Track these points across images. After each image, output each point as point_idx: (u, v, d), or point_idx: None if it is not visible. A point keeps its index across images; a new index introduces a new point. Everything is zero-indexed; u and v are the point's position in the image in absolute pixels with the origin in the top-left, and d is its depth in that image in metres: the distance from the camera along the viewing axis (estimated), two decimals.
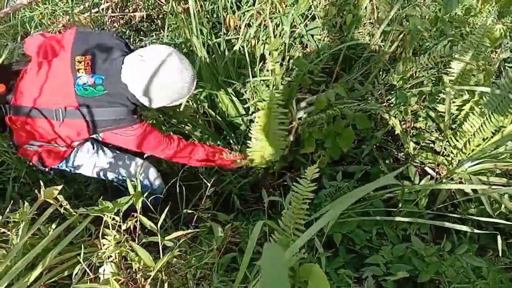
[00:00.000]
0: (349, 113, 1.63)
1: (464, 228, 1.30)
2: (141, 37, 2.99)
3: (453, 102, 1.81)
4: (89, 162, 1.63)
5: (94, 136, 1.47)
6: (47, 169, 1.59)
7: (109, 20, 3.09)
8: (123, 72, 1.36)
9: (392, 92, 2.01)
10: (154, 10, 3.14)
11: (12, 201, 1.37)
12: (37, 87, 1.43)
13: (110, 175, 1.67)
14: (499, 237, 1.28)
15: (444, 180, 1.74)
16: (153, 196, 1.53)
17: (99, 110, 1.37)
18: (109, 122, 1.39)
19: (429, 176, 1.76)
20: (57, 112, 1.38)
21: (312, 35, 2.04)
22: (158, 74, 1.33)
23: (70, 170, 1.66)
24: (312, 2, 2.05)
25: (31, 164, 1.57)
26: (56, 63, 1.42)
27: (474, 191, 1.66)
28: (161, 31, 2.60)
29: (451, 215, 1.65)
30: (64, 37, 1.50)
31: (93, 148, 1.64)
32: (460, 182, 1.72)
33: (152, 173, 1.72)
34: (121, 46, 1.47)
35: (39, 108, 1.41)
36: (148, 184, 1.73)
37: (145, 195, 1.08)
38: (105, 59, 1.40)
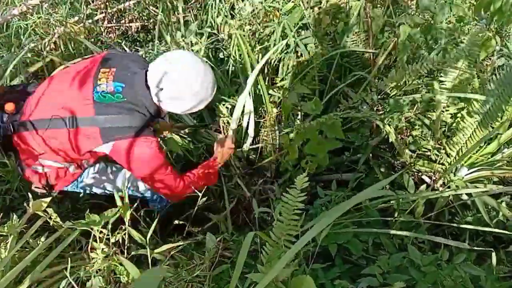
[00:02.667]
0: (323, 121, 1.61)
1: (460, 245, 1.29)
2: (137, 48, 3.00)
3: (447, 110, 1.80)
4: (100, 180, 1.63)
5: (104, 149, 1.43)
6: (53, 193, 1.56)
7: (105, 31, 3.10)
8: (149, 78, 1.38)
9: (386, 101, 2.01)
10: (149, 21, 3.16)
11: (1, 213, 1.35)
12: (53, 98, 1.43)
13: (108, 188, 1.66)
14: (493, 254, 1.27)
15: (440, 189, 1.72)
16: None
17: (115, 116, 1.36)
18: (124, 130, 1.37)
19: (425, 184, 1.74)
20: (71, 119, 1.37)
21: (306, 44, 2.04)
22: (184, 77, 1.37)
23: (83, 190, 1.65)
24: (306, 11, 2.06)
25: (34, 188, 1.54)
26: (80, 75, 1.43)
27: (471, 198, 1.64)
28: (157, 41, 2.60)
29: (448, 224, 1.64)
30: (95, 58, 1.53)
31: (104, 165, 1.65)
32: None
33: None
34: (146, 65, 1.47)
35: (52, 118, 1.39)
36: (147, 195, 1.71)
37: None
38: (128, 71, 1.42)
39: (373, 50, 1.97)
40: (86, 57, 1.73)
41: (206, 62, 1.44)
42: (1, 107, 1.46)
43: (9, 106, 1.45)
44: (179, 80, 1.38)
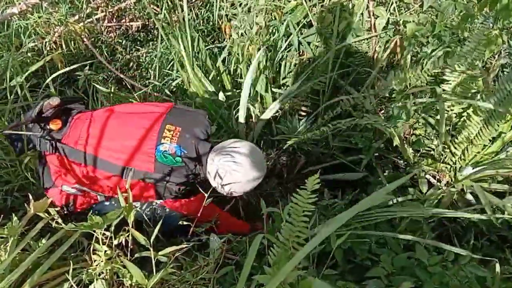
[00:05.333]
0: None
1: (462, 252, 1.28)
2: (137, 47, 2.98)
3: (452, 109, 1.78)
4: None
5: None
6: (70, 211, 1.53)
7: (106, 31, 3.08)
8: (209, 168, 1.43)
9: (390, 102, 2.00)
10: (150, 20, 3.14)
11: (2, 215, 1.33)
12: (111, 140, 1.40)
13: None
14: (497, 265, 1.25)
15: (444, 188, 1.71)
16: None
17: (171, 178, 1.38)
18: (176, 190, 1.42)
19: (433, 184, 1.72)
20: (128, 170, 1.36)
21: (309, 43, 2.02)
22: (246, 179, 1.42)
23: (97, 211, 1.61)
24: (309, 10, 2.04)
25: (54, 205, 1.49)
26: (144, 121, 1.43)
27: (476, 197, 1.63)
28: (158, 41, 2.58)
29: (452, 224, 1.63)
30: (159, 105, 1.54)
31: None
32: (462, 190, 1.69)
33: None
34: (208, 127, 1.49)
35: (109, 161, 1.38)
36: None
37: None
38: (192, 136, 1.42)
39: (376, 48, 1.96)
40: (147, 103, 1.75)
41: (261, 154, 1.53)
42: (48, 121, 1.44)
43: (56, 125, 1.42)
44: (241, 181, 1.42)
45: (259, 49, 2.01)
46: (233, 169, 1.39)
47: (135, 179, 1.37)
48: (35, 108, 1.45)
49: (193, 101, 2.02)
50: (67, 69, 2.04)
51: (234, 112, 2.01)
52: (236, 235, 1.50)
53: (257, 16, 1.92)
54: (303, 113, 2.18)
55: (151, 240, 0.93)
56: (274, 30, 2.06)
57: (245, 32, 2.01)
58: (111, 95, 2.22)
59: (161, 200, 1.47)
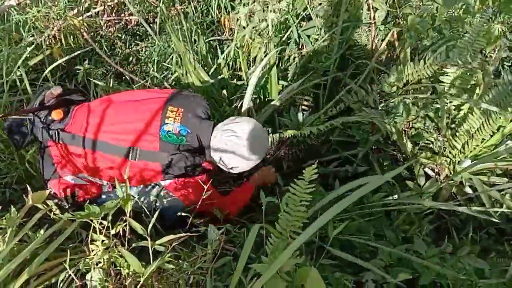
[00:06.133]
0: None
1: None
2: (137, 41, 2.97)
3: (451, 102, 1.78)
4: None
5: (161, 182, 1.49)
6: (72, 203, 1.53)
7: (105, 25, 3.07)
8: (215, 144, 1.48)
9: (390, 96, 2.00)
10: (149, 14, 3.12)
11: (0, 207, 1.33)
12: (115, 124, 1.43)
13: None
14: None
15: (443, 181, 1.70)
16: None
17: (176, 156, 1.42)
18: (181, 169, 1.45)
19: (431, 177, 1.72)
20: (134, 150, 1.39)
21: (308, 36, 2.01)
22: (248, 156, 1.48)
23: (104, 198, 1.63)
24: (308, 2, 2.03)
25: (54, 197, 1.50)
26: (147, 105, 1.48)
27: (475, 191, 1.63)
28: (157, 35, 2.57)
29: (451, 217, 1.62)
30: (161, 92, 1.60)
31: None
32: (461, 183, 1.69)
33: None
34: (207, 109, 1.58)
35: (112, 144, 1.40)
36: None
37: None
38: (194, 115, 1.50)
39: (375, 41, 1.95)
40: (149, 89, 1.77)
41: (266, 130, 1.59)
42: (49, 110, 1.45)
43: (58, 114, 1.44)
44: (244, 157, 1.48)
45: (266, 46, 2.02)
46: (235, 143, 1.45)
47: (141, 159, 1.39)
48: (37, 98, 1.46)
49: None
50: (65, 58, 2.04)
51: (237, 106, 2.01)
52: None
53: (271, 12, 1.90)
54: (305, 107, 2.17)
55: (149, 230, 0.93)
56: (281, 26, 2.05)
57: (256, 30, 1.99)
58: (110, 89, 2.22)
59: (165, 183, 1.49)
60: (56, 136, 1.42)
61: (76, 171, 1.46)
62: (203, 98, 1.60)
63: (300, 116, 1.96)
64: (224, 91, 2.00)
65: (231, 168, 1.52)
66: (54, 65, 2.05)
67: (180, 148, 1.43)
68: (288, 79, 2.09)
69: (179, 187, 1.49)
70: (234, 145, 1.45)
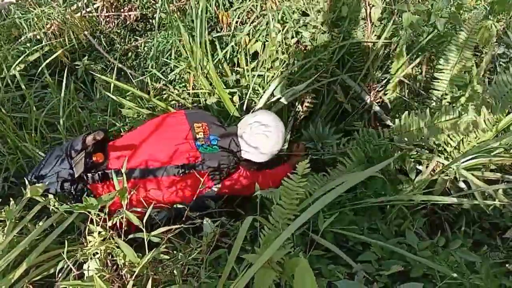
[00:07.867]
0: None
1: None
2: (136, 37, 2.98)
3: (445, 98, 1.79)
4: None
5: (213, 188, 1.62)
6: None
7: (104, 20, 3.08)
8: (247, 138, 1.66)
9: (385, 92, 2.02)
10: (149, 10, 3.13)
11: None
12: (152, 150, 1.53)
13: None
14: None
15: (437, 176, 1.72)
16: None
17: (216, 162, 1.56)
18: (224, 170, 1.60)
19: (426, 171, 1.74)
20: (182, 166, 1.51)
21: (306, 27, 2.03)
22: (276, 147, 1.70)
23: None
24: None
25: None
26: (176, 127, 1.64)
27: (468, 186, 1.65)
28: (156, 30, 2.58)
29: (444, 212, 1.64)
30: (174, 115, 1.73)
31: None
32: (455, 178, 1.70)
33: None
34: (217, 117, 1.81)
35: (158, 167, 1.50)
36: None
37: None
38: (216, 125, 1.70)
39: (371, 37, 1.96)
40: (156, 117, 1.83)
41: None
42: (90, 154, 1.49)
43: (100, 157, 1.49)
44: (275, 141, 1.67)
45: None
46: (265, 130, 1.64)
47: (193, 171, 1.51)
48: (77, 143, 1.48)
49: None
50: (59, 52, 2.05)
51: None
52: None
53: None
54: (308, 105, 2.17)
55: (144, 221, 0.95)
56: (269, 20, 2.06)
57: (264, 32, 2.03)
58: (112, 85, 2.23)
59: (217, 187, 1.61)
60: (100, 176, 1.45)
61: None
62: (210, 114, 1.79)
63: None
64: (236, 98, 2.06)
65: (264, 154, 1.68)
66: (48, 60, 2.08)
67: (216, 154, 1.57)
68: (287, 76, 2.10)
69: (233, 183, 1.64)
70: (264, 132, 1.63)
